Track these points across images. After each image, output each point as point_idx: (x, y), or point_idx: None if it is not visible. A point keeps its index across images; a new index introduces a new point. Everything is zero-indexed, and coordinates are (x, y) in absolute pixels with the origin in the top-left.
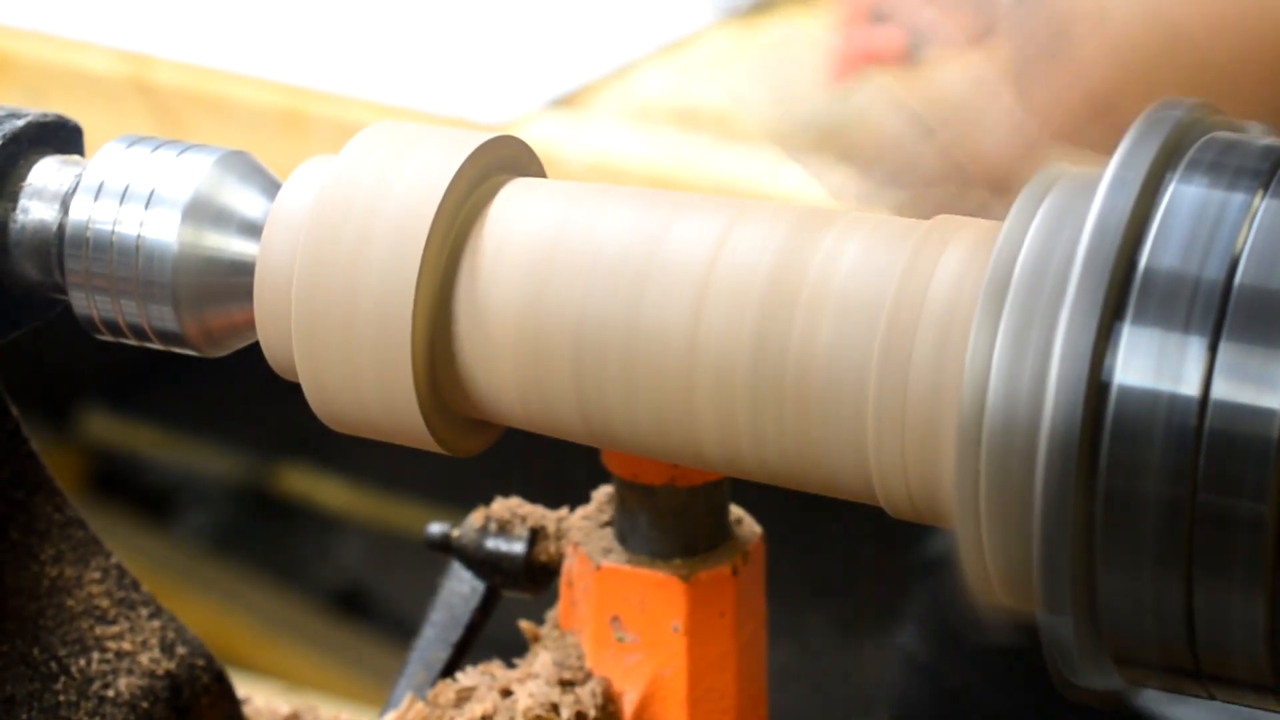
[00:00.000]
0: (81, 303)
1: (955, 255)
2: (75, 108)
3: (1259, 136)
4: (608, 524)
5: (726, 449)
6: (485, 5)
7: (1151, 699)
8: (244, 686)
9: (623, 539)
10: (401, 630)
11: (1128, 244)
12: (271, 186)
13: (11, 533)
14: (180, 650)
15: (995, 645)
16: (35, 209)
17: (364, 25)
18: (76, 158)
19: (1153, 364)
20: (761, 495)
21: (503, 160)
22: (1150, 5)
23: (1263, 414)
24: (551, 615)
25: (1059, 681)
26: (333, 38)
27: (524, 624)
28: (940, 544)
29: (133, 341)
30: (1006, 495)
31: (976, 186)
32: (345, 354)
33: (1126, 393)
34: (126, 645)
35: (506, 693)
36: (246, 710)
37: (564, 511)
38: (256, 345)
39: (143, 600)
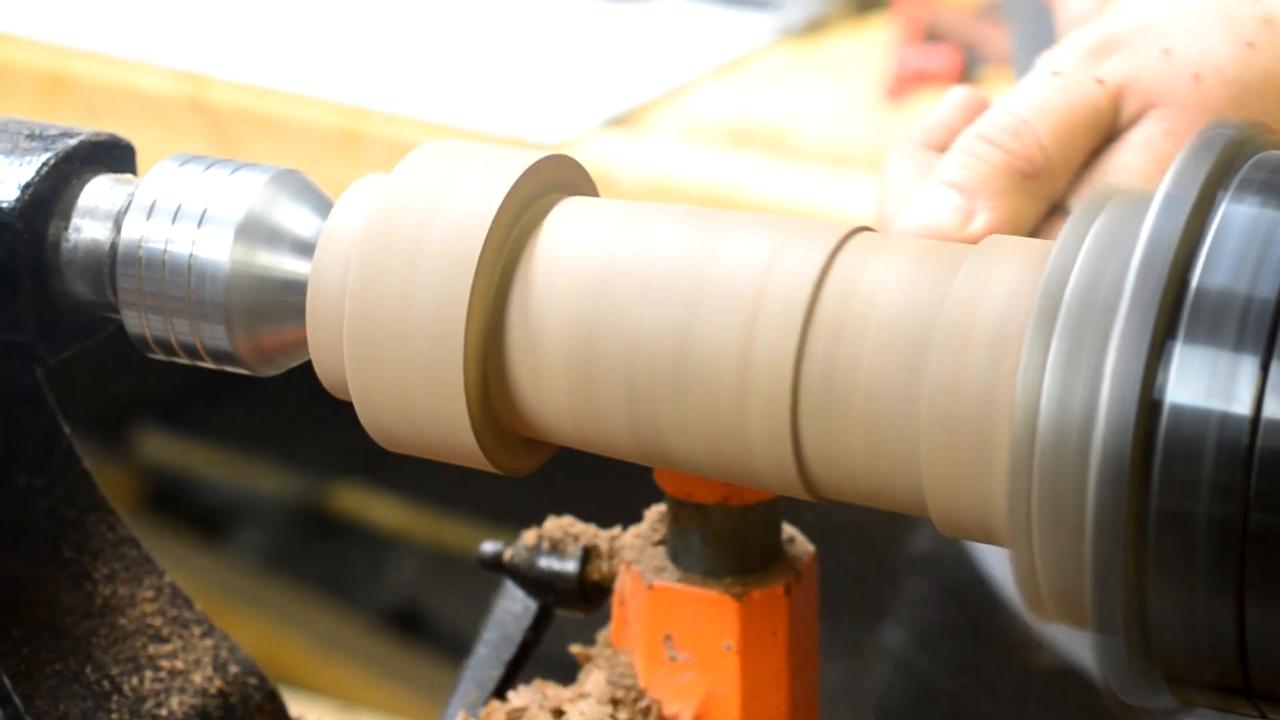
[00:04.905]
0: (134, 322)
1: (1007, 274)
2: (130, 127)
3: None
4: (660, 543)
5: (780, 467)
6: (542, 26)
7: None
8: (297, 705)
9: (675, 558)
10: (454, 649)
11: (1179, 263)
12: (324, 205)
13: (65, 552)
14: (233, 669)
15: (977, 645)
16: (88, 228)
17: (420, 45)
18: (129, 177)
19: (1204, 383)
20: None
21: (555, 179)
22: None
23: None
24: (604, 634)
25: (1110, 700)
26: (389, 58)
27: (575, 647)
28: (921, 541)
29: (185, 360)
30: (1059, 513)
31: None
32: (398, 373)
33: (1178, 411)
34: (179, 664)
35: (559, 712)
36: None
37: (616, 530)
38: (309, 364)
39: (196, 619)
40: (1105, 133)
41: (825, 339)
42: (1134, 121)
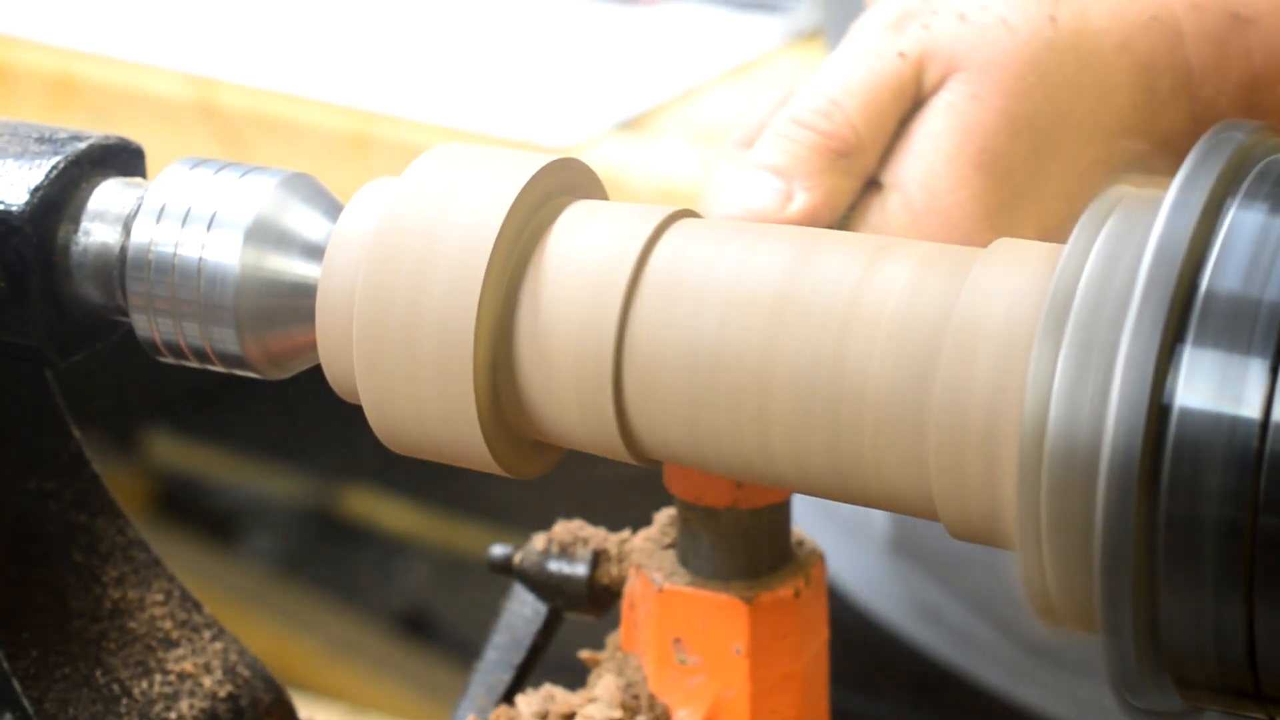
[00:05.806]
0: (143, 325)
1: (1016, 277)
2: (140, 131)
3: None
4: (670, 546)
5: (786, 468)
6: (551, 29)
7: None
8: (308, 709)
9: (685, 561)
10: (464, 652)
11: (1189, 267)
12: (334, 209)
13: (74, 555)
14: (242, 673)
15: None
16: (97, 231)
17: (430, 49)
18: (139, 180)
19: (1214, 386)
20: None
21: (564, 183)
22: None
23: None
24: (613, 638)
25: (1120, 702)
26: (398, 61)
27: (584, 653)
28: None
29: (195, 364)
30: (1068, 517)
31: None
32: (407, 376)
33: (1187, 415)
34: (189, 668)
35: (568, 716)
36: None
37: (626, 534)
38: (319, 367)
39: (205, 623)
40: (911, 103)
41: (836, 342)
42: (937, 88)
